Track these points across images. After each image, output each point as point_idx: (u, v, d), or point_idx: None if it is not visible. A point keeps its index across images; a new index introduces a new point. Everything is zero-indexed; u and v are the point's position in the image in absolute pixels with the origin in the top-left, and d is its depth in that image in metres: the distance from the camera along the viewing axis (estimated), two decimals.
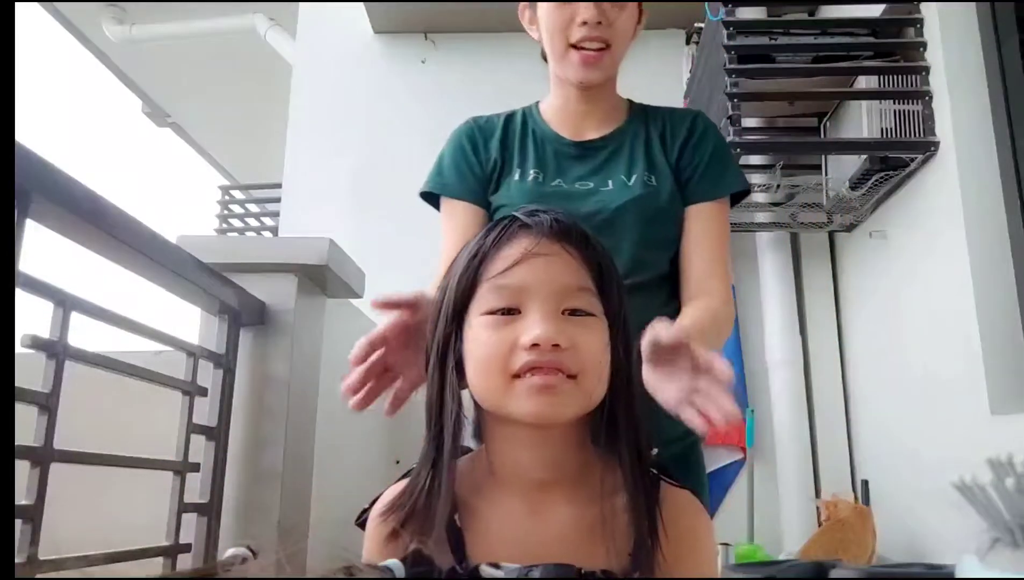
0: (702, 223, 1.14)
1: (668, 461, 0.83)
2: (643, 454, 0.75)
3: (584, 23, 1.10)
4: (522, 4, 1.21)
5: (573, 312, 0.71)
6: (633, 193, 1.12)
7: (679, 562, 0.72)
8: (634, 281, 1.06)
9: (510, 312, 0.71)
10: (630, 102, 1.25)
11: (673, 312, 1.06)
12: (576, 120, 1.20)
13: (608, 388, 0.73)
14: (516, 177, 1.17)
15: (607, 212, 1.11)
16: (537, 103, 1.25)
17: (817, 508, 2.37)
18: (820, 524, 2.34)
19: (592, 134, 1.19)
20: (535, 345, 0.68)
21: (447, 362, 0.74)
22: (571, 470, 0.74)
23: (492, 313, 0.71)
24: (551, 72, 1.20)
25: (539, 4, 1.16)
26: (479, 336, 0.71)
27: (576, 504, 0.73)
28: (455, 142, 1.22)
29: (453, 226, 1.18)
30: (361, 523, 0.80)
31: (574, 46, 1.12)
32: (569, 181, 1.15)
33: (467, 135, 1.22)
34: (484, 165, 1.19)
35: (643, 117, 1.21)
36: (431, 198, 1.22)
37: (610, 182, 1.15)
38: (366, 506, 0.81)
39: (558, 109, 1.21)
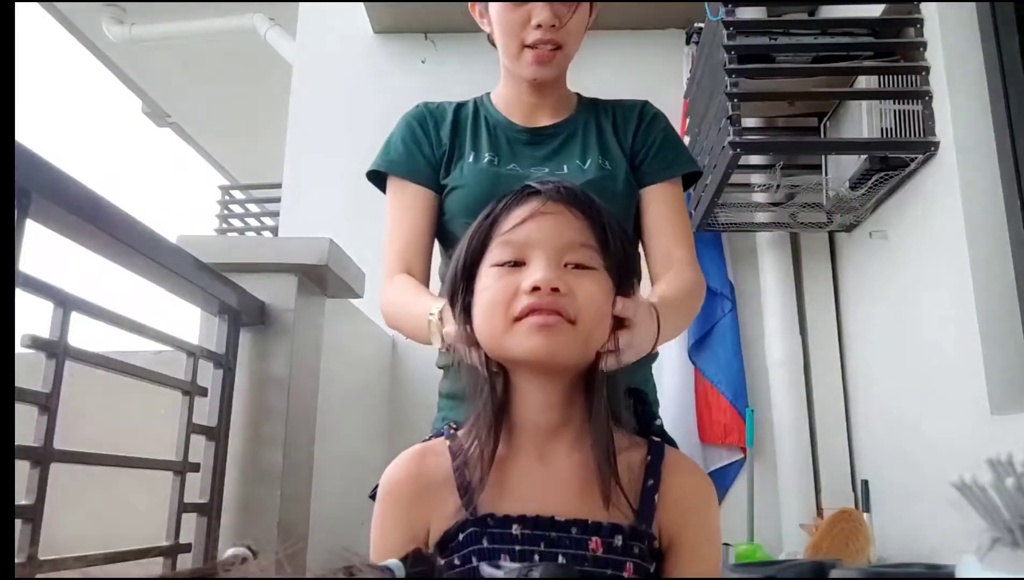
0: (661, 203, 1.17)
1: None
2: (617, 405, 0.81)
3: (538, 25, 1.11)
4: (471, 2, 1.21)
5: (575, 266, 0.77)
6: (588, 176, 1.13)
7: (684, 524, 0.78)
8: None
9: (516, 264, 0.77)
10: (578, 95, 1.26)
11: None
12: (528, 109, 1.21)
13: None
14: (470, 160, 1.17)
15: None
16: (488, 93, 1.26)
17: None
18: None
19: (544, 121, 1.21)
20: (536, 288, 0.74)
21: (457, 309, 0.81)
22: (577, 418, 0.79)
23: (499, 265, 0.78)
24: (502, 64, 1.21)
25: (491, 4, 1.16)
26: (486, 285, 0.78)
27: (583, 451, 0.77)
28: (405, 124, 1.22)
29: (399, 205, 1.17)
30: (374, 495, 0.85)
31: (528, 46, 1.13)
32: (524, 166, 1.16)
33: (417, 118, 1.22)
34: (434, 148, 1.19)
35: (592, 107, 1.23)
36: (378, 180, 1.21)
37: (565, 167, 1.16)
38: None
39: (510, 99, 1.22)
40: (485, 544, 0.74)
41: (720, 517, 0.84)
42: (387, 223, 1.17)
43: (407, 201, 1.17)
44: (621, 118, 1.22)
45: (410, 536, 0.77)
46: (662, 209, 1.16)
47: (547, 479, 0.77)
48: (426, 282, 1.14)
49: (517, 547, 0.74)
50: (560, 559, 0.74)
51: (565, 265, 0.77)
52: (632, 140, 1.19)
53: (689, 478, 0.81)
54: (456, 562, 0.75)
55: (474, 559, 0.73)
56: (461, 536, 0.75)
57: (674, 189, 1.18)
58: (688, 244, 1.15)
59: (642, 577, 0.74)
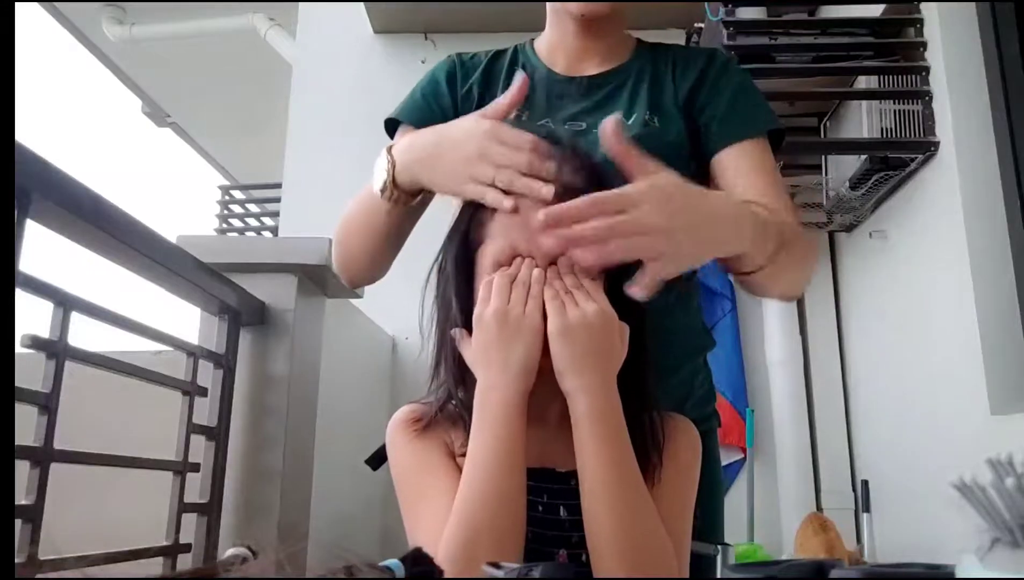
0: (738, 162, 0.97)
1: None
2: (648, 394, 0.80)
3: None
4: None
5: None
6: (626, 135, 1.03)
7: (668, 481, 0.78)
8: None
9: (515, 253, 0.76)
10: (639, 40, 1.11)
11: (679, 296, 1.00)
12: (574, 55, 1.06)
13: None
14: None
15: (595, 157, 0.91)
16: (532, 39, 1.12)
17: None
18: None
19: (592, 70, 1.06)
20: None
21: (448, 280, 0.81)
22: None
23: (498, 261, 0.77)
24: (548, 4, 1.08)
25: None
26: (490, 239, 0.78)
27: None
28: (430, 75, 1.10)
29: None
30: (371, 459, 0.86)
31: None
32: (558, 120, 1.02)
33: (446, 69, 1.09)
34: (458, 102, 1.06)
35: (651, 55, 1.07)
36: (393, 131, 1.10)
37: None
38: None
39: (555, 44, 1.08)
40: None
41: (698, 465, 0.84)
42: None
43: None
44: (682, 67, 1.04)
45: (440, 445, 0.79)
46: (743, 167, 0.96)
47: (549, 436, 0.78)
48: (395, 251, 1.02)
49: None
50: (562, 510, 0.76)
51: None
52: (690, 96, 1.02)
53: (684, 435, 0.83)
54: None
55: None
56: None
57: (759, 148, 0.98)
58: (787, 201, 0.96)
59: None
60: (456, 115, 1.01)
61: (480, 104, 1.03)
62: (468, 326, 0.77)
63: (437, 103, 1.06)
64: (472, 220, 0.81)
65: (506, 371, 0.72)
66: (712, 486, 1.01)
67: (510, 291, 0.74)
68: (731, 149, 0.98)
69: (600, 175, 0.79)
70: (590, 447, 0.72)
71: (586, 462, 0.72)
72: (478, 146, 0.78)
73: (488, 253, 0.78)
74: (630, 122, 1.00)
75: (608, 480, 0.71)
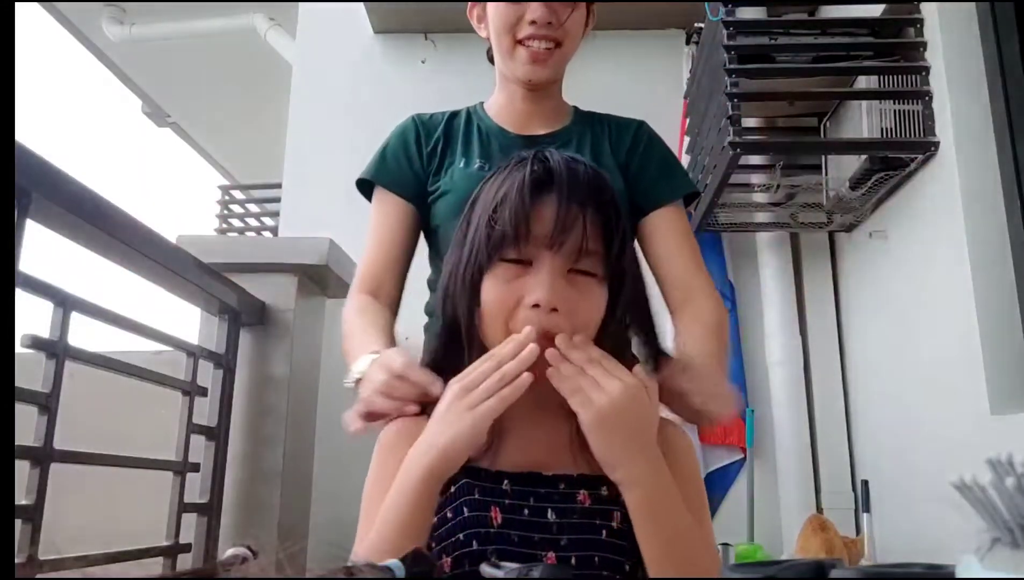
0: (669, 228, 1.13)
1: None
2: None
3: (533, 22, 1.09)
4: (471, 3, 1.19)
5: (579, 272, 0.78)
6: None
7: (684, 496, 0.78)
8: None
9: (521, 262, 0.78)
10: (575, 107, 1.24)
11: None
12: (522, 118, 1.18)
13: (611, 337, 0.81)
14: (461, 165, 1.15)
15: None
16: (481, 103, 1.24)
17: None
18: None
19: (539, 130, 1.18)
20: (536, 305, 0.76)
21: (474, 290, 0.81)
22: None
23: (507, 261, 0.78)
24: (497, 70, 1.19)
25: (488, 4, 1.15)
26: (493, 287, 0.79)
27: (566, 418, 0.79)
28: (397, 135, 1.20)
29: (381, 216, 1.15)
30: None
31: (521, 43, 1.11)
32: None
33: (410, 129, 1.20)
34: (424, 161, 1.17)
35: (588, 120, 1.21)
36: (366, 189, 1.19)
37: None
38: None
39: (503, 106, 1.20)
40: (476, 495, 0.77)
41: (699, 468, 0.87)
42: (367, 234, 1.15)
43: (389, 212, 1.15)
44: (616, 134, 1.19)
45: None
46: (672, 235, 1.13)
47: (537, 440, 0.81)
48: (395, 302, 1.11)
49: (507, 501, 0.77)
50: (551, 514, 0.77)
51: (569, 270, 0.78)
52: (627, 158, 1.17)
53: (680, 440, 0.84)
54: (448, 515, 0.77)
55: (465, 510, 0.76)
56: (453, 488, 0.78)
57: (679, 212, 1.16)
58: (703, 269, 1.13)
59: (631, 525, 0.76)
60: (424, 170, 1.15)
61: (440, 159, 1.16)
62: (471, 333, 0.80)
63: (409, 165, 1.16)
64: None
65: (435, 446, 0.74)
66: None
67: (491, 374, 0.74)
68: (658, 212, 1.13)
69: (599, 178, 0.83)
70: (649, 530, 0.73)
71: (649, 546, 0.73)
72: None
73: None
74: None
75: (675, 555, 0.73)
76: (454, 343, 0.83)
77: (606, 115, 1.23)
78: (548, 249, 0.77)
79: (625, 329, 0.86)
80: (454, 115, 1.22)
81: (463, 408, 0.73)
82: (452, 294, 0.83)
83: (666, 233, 1.13)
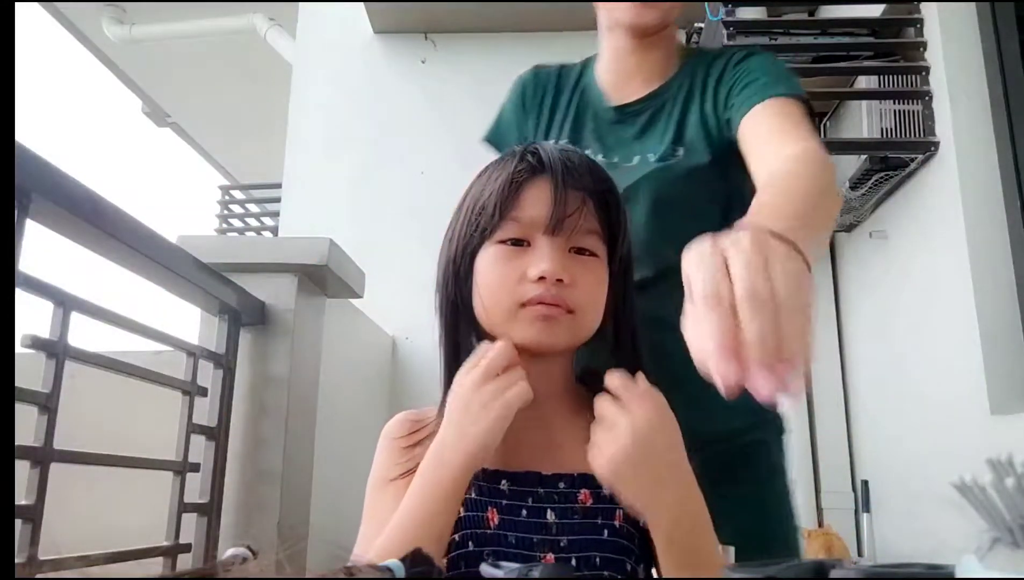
0: (757, 124, 0.91)
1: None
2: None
3: None
4: None
5: (579, 250, 0.78)
6: (645, 171, 0.98)
7: None
8: (642, 276, 0.93)
9: (519, 243, 0.78)
10: (689, 49, 1.10)
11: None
12: (624, 77, 1.05)
13: (613, 321, 0.82)
14: (551, 140, 1.09)
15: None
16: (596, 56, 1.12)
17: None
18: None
19: (634, 95, 1.05)
20: (541, 277, 0.75)
21: (459, 282, 0.81)
22: (559, 386, 0.82)
23: (504, 242, 0.78)
24: (599, 21, 1.07)
25: None
26: (492, 266, 0.78)
27: (565, 416, 0.81)
28: (512, 94, 1.16)
29: None
30: None
31: None
32: (596, 151, 1.04)
33: (521, 89, 1.15)
34: (535, 122, 1.12)
35: (693, 67, 1.04)
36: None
37: (635, 158, 1.01)
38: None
39: (608, 63, 1.08)
40: (473, 495, 0.76)
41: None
42: None
43: None
44: (716, 72, 1.01)
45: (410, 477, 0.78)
46: (760, 129, 0.90)
47: (536, 439, 0.80)
48: None
49: (505, 501, 0.76)
50: (550, 514, 0.76)
51: (569, 249, 0.78)
52: (717, 92, 0.99)
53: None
54: None
55: (462, 510, 0.75)
56: None
57: (783, 105, 0.92)
58: (806, 144, 0.84)
59: (633, 524, 0.75)
60: (535, 128, 1.10)
61: (546, 125, 1.10)
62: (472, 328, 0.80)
63: (523, 118, 1.12)
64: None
65: (469, 435, 0.72)
66: (772, 512, 1.02)
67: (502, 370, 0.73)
68: (745, 119, 0.92)
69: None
70: (670, 562, 0.70)
71: (667, 567, 0.71)
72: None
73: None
74: (656, 156, 1.01)
75: (689, 571, 0.70)
76: (457, 333, 0.82)
77: (720, 52, 1.05)
78: (546, 232, 0.77)
79: (635, 328, 0.84)
80: (566, 74, 1.13)
81: (488, 396, 0.72)
82: (448, 278, 0.82)
83: (753, 132, 0.90)
